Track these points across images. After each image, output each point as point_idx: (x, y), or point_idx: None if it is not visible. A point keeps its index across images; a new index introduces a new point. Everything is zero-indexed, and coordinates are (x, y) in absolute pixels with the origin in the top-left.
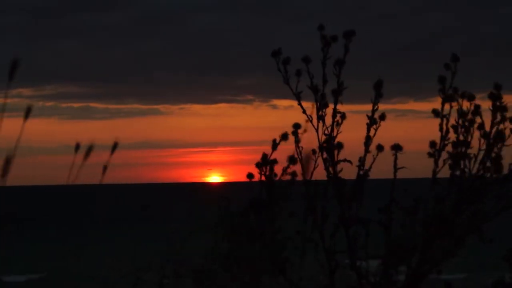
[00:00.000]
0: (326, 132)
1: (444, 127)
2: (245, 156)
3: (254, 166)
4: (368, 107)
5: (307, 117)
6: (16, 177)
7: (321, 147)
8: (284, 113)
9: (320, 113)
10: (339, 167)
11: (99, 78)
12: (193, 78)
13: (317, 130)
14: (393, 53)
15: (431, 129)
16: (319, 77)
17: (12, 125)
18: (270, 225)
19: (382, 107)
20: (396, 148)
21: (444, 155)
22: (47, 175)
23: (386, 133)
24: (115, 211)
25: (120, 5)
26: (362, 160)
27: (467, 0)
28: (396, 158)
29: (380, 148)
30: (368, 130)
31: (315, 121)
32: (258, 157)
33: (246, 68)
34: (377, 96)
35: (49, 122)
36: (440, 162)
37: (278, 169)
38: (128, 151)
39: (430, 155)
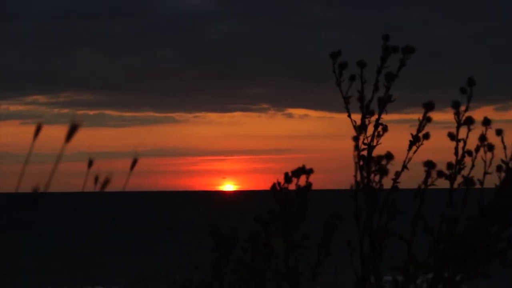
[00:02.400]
0: (365, 141)
1: (460, 151)
2: (260, 164)
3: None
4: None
5: (352, 123)
6: (32, 186)
7: (359, 155)
8: (299, 122)
9: (365, 120)
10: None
11: (114, 86)
12: (208, 87)
13: (358, 138)
14: (408, 63)
15: (445, 140)
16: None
17: (28, 132)
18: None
19: (397, 117)
20: (429, 165)
21: (459, 178)
22: (61, 182)
23: (401, 143)
24: (125, 219)
25: (136, 13)
26: (397, 175)
27: (484, 12)
28: (427, 176)
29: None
30: (410, 148)
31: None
32: (272, 166)
33: (261, 77)
34: (426, 116)
35: (64, 129)
36: (455, 186)
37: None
38: (142, 159)
39: (446, 177)
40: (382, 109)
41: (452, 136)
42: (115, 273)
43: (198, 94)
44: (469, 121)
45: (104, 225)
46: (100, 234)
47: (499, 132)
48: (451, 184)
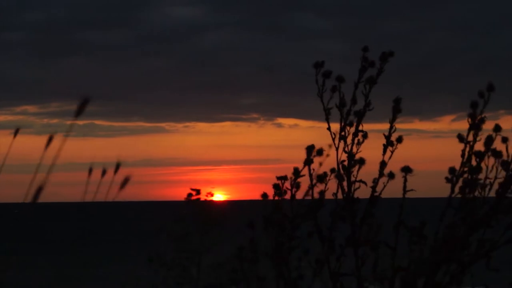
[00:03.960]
0: (346, 149)
1: (466, 153)
2: (249, 174)
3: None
4: (377, 126)
5: (331, 134)
6: (23, 195)
7: (339, 165)
8: (288, 131)
9: (343, 133)
10: (355, 186)
11: (104, 96)
12: (198, 96)
13: (337, 149)
14: (398, 72)
15: (435, 149)
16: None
17: (17, 142)
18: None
19: (387, 126)
20: (406, 170)
21: (461, 181)
22: (51, 193)
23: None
24: (117, 229)
25: (125, 24)
26: (376, 182)
27: (471, 21)
28: (405, 181)
29: (391, 175)
30: (384, 152)
31: (336, 140)
32: (262, 176)
33: (251, 87)
34: (395, 116)
35: (53, 139)
36: (457, 188)
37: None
38: (131, 168)
39: (448, 180)
40: (360, 118)
41: (461, 138)
42: (104, 282)
43: (188, 104)
44: (478, 127)
45: (94, 235)
46: (91, 243)
47: (505, 140)
48: (452, 188)
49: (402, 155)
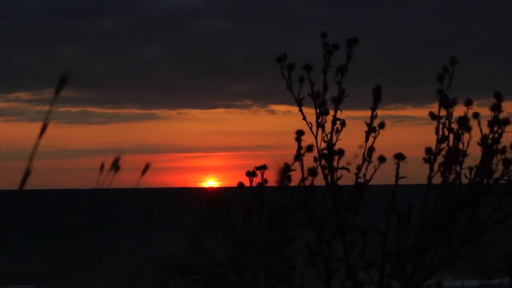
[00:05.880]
0: (325, 139)
1: (440, 131)
2: (242, 161)
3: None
4: (367, 113)
5: (307, 124)
6: (15, 183)
7: (319, 154)
8: (282, 118)
9: (320, 120)
10: (338, 174)
11: (97, 83)
12: (191, 83)
13: (316, 137)
14: (391, 59)
15: (429, 136)
16: (319, 85)
17: (10, 129)
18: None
19: (380, 113)
20: (399, 157)
21: (439, 159)
22: (45, 180)
23: (384, 139)
24: (111, 216)
25: (118, 11)
26: (359, 169)
27: (466, 8)
28: (398, 167)
29: (382, 159)
30: (367, 138)
31: (314, 128)
32: (255, 162)
33: (244, 74)
34: (376, 103)
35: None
36: (435, 167)
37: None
38: (124, 155)
39: (425, 160)
40: (337, 106)
41: (434, 116)
42: (104, 272)
43: (181, 91)
44: (450, 103)
45: (87, 222)
46: (84, 231)
47: (476, 115)
48: (431, 167)
49: (395, 141)
